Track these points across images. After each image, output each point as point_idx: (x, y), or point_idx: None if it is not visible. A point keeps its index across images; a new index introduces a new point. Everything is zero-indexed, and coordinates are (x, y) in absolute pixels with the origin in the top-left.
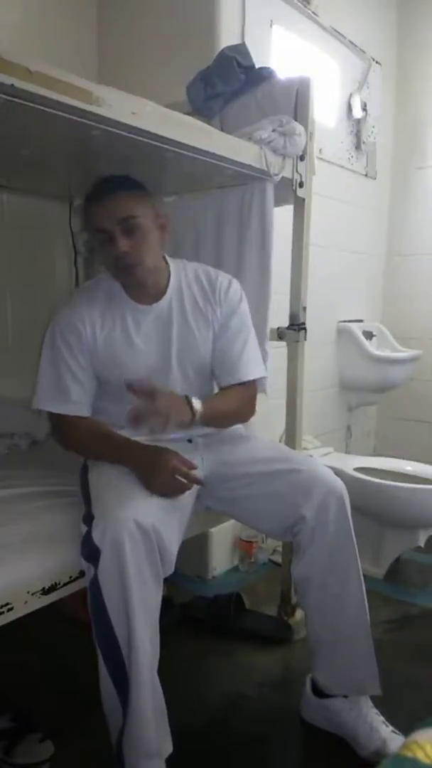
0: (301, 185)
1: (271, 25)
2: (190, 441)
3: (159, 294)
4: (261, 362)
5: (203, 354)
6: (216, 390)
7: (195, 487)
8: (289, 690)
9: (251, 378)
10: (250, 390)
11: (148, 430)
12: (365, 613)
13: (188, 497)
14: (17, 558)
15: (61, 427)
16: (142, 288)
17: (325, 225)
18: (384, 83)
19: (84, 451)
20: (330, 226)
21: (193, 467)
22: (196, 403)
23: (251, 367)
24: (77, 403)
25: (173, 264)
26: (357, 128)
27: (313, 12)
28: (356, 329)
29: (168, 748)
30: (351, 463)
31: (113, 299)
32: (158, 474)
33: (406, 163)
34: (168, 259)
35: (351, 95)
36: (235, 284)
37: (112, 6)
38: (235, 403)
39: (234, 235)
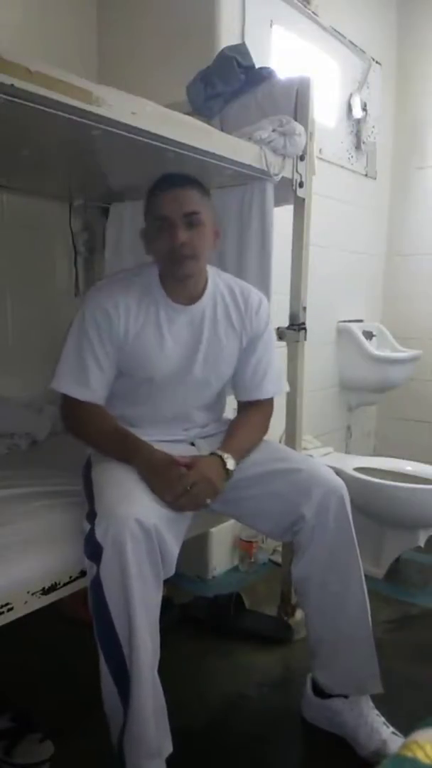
0: (301, 185)
1: (271, 25)
2: (192, 444)
3: (195, 297)
4: (281, 379)
5: (226, 364)
6: (219, 393)
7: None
8: (289, 690)
9: (269, 396)
10: (267, 409)
11: (192, 506)
12: (366, 613)
13: None
14: (17, 558)
15: (74, 412)
16: (184, 284)
17: (325, 225)
18: (384, 83)
19: (92, 442)
20: (330, 226)
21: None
22: (230, 463)
23: (271, 387)
24: (96, 391)
25: (210, 271)
26: (357, 128)
27: (313, 12)
28: (356, 329)
29: (168, 747)
30: (351, 463)
31: (150, 292)
32: (171, 486)
33: (406, 163)
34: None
35: (351, 95)
36: (265, 303)
37: (112, 6)
38: (257, 433)
39: (234, 235)
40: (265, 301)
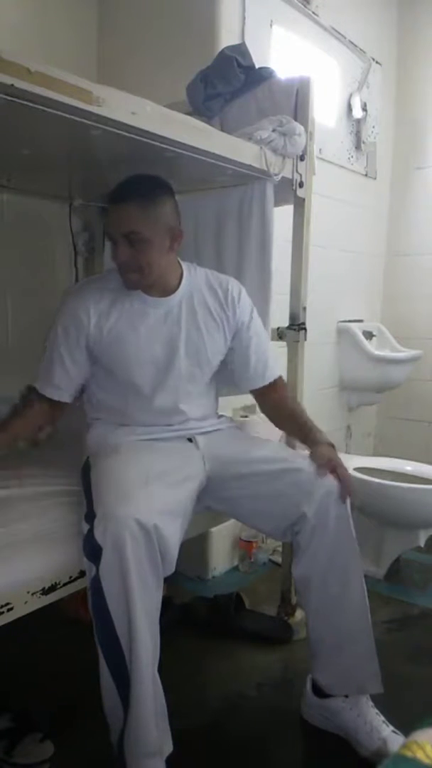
0: (301, 185)
1: (271, 25)
2: (190, 440)
3: (169, 291)
4: (276, 360)
5: (211, 356)
6: (208, 385)
7: (196, 487)
8: (289, 690)
9: (277, 376)
10: (284, 385)
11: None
12: (367, 613)
13: (189, 498)
14: (18, 558)
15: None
16: (150, 286)
17: (325, 225)
18: (384, 83)
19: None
20: (330, 226)
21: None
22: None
23: (276, 365)
24: (58, 389)
25: (185, 266)
26: (357, 128)
27: (313, 12)
28: (356, 329)
29: (168, 747)
30: (351, 463)
31: (123, 289)
32: None
33: (406, 163)
34: (180, 261)
35: (351, 95)
36: (244, 291)
37: (112, 6)
38: (300, 405)
39: (234, 235)
40: (243, 289)
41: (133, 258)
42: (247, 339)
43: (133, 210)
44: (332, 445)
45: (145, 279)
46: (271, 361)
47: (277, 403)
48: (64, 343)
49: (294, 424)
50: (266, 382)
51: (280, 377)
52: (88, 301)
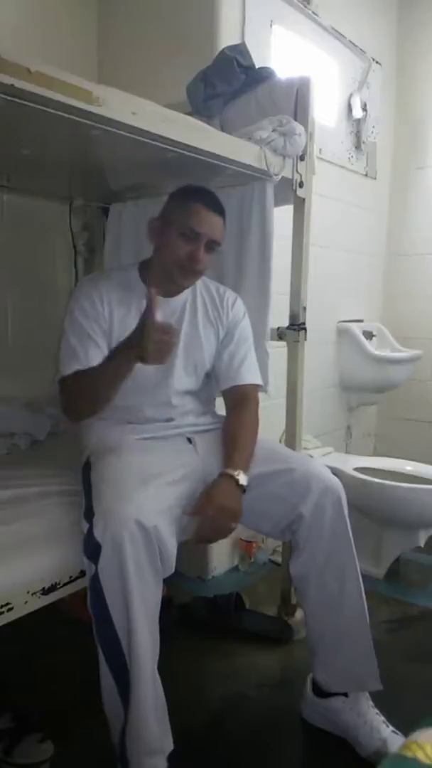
0: (301, 185)
1: (271, 25)
2: (189, 440)
3: (175, 292)
4: (259, 372)
5: (206, 357)
6: (205, 383)
7: (195, 488)
8: (289, 690)
9: (250, 383)
10: (254, 400)
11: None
12: (364, 610)
13: (188, 499)
14: (17, 558)
15: (68, 389)
16: (170, 283)
17: (325, 225)
18: (384, 83)
19: (83, 400)
20: (330, 226)
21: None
22: (243, 479)
23: (252, 373)
24: (91, 360)
25: None
26: (357, 128)
27: (313, 12)
28: (356, 329)
29: (169, 744)
30: (351, 463)
31: (130, 286)
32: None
33: (406, 163)
34: None
35: (351, 95)
36: (240, 301)
37: (113, 6)
38: (254, 430)
39: (234, 235)
40: (239, 299)
41: (205, 263)
42: (228, 341)
43: (221, 223)
44: (235, 479)
45: (196, 281)
46: (247, 372)
47: (230, 416)
48: (86, 323)
49: (224, 441)
50: (231, 386)
51: (250, 390)
52: (101, 290)
